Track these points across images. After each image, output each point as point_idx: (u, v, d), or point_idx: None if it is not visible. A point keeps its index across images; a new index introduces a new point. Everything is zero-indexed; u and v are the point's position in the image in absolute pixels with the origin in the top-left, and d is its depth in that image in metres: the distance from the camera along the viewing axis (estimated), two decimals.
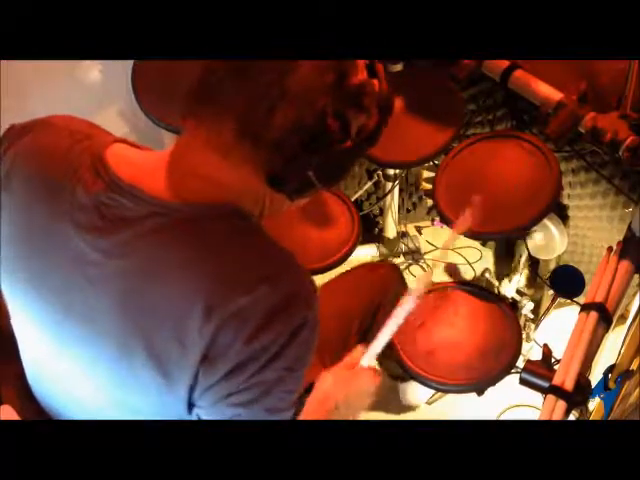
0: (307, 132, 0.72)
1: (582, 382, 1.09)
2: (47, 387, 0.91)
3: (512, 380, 1.20)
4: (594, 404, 1.24)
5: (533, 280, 1.90)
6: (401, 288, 1.41)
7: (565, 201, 1.74)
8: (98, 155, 0.78)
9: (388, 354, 1.33)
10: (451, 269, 1.98)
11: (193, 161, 0.76)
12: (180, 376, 0.72)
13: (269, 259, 0.76)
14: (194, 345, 0.70)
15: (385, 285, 1.40)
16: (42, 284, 0.78)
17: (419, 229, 2.16)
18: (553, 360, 1.16)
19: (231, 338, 0.70)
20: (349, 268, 1.47)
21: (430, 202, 2.10)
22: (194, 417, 0.76)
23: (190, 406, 0.75)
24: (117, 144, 0.81)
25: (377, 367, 1.01)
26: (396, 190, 1.89)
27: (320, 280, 1.38)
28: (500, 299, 1.39)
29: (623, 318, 1.57)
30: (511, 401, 1.74)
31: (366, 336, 1.42)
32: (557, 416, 1.04)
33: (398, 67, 1.56)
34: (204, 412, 0.75)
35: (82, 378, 0.81)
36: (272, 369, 0.72)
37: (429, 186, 1.91)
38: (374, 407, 1.76)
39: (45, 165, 0.79)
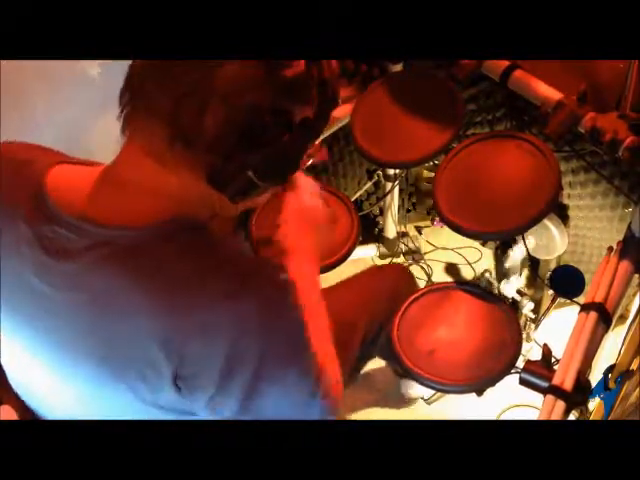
0: (240, 130, 0.68)
1: (582, 382, 1.09)
2: (32, 394, 0.89)
3: (512, 380, 1.20)
4: (594, 404, 1.24)
5: (533, 280, 1.90)
6: (411, 293, 1.38)
7: (565, 201, 1.74)
8: (37, 184, 0.76)
9: (390, 354, 1.33)
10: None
11: (132, 175, 0.73)
12: (160, 397, 0.71)
13: (227, 272, 0.72)
14: (164, 371, 0.69)
15: (395, 294, 1.38)
16: (10, 308, 0.77)
17: (419, 229, 2.16)
18: (553, 360, 1.16)
19: (202, 355, 0.68)
20: (357, 272, 1.45)
21: (430, 202, 2.10)
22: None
23: (188, 414, 0.74)
24: (58, 167, 0.78)
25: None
26: (396, 190, 1.89)
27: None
28: (500, 299, 1.39)
29: (623, 318, 1.58)
30: (511, 401, 1.74)
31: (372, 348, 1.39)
32: (556, 416, 1.03)
33: (398, 67, 1.56)
34: (231, 415, 0.72)
35: (62, 389, 0.80)
36: (260, 376, 0.70)
37: (429, 186, 1.91)
38: (373, 404, 1.78)
39: None
